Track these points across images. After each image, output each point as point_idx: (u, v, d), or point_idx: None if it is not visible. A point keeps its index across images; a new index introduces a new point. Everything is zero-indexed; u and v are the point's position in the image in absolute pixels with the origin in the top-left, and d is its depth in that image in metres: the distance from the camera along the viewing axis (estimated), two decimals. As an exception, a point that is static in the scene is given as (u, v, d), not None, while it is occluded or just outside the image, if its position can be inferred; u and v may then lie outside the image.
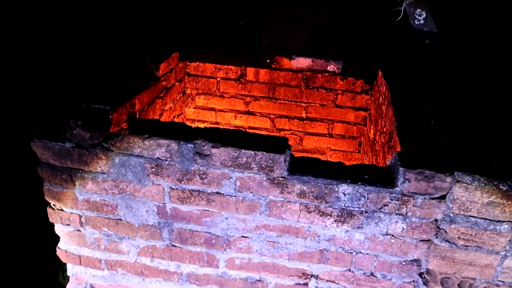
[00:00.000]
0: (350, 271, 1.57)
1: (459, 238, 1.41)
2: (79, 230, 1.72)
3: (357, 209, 1.41)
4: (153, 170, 1.49)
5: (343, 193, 1.38)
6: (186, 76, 2.63)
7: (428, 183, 1.31)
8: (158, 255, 1.70)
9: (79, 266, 1.83)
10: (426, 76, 2.27)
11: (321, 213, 1.45)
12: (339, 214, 1.43)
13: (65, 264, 1.90)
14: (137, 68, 2.21)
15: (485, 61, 2.58)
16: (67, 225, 1.71)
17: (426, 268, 1.51)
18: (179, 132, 1.46)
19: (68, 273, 1.89)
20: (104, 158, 1.51)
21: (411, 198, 1.35)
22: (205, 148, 1.41)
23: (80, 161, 1.53)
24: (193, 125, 2.78)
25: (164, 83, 2.32)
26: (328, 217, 1.45)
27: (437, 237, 1.43)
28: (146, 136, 1.43)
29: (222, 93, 2.65)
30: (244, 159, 1.39)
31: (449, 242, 1.43)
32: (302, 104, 2.58)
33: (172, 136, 1.43)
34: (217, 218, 1.56)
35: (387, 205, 1.38)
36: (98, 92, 1.94)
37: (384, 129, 1.88)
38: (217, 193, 1.49)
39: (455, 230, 1.40)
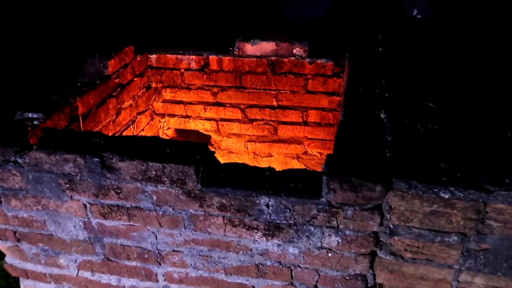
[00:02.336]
0: (292, 285, 1.42)
1: (405, 250, 1.23)
2: (17, 246, 1.65)
3: (284, 222, 1.25)
4: (67, 186, 1.38)
5: (265, 205, 1.22)
6: (148, 69, 2.49)
7: (356, 193, 1.13)
8: (97, 269, 1.62)
9: (27, 279, 1.78)
10: (405, 58, 2.01)
11: (247, 227, 1.29)
12: (266, 227, 1.28)
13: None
14: (83, 67, 2.09)
15: (485, 43, 2.26)
16: (6, 240, 1.65)
17: (376, 282, 1.34)
18: (88, 143, 1.33)
19: (21, 286, 1.85)
20: (18, 174, 1.41)
21: (340, 209, 1.17)
22: (112, 161, 1.28)
23: (-3, 178, 1.44)
24: (164, 120, 2.66)
25: (117, 80, 2.19)
26: (255, 230, 1.29)
27: (381, 250, 1.25)
28: (52, 151, 1.31)
29: (187, 85, 2.49)
30: (154, 172, 1.25)
31: (394, 255, 1.24)
32: (272, 91, 2.38)
33: (79, 149, 1.31)
34: (144, 233, 1.44)
35: (315, 217, 1.21)
36: (34, 97, 1.84)
37: (339, 122, 1.68)
38: (136, 207, 1.37)
39: (399, 242, 1.21)
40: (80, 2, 2.41)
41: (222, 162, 2.69)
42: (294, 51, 2.23)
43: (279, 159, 2.62)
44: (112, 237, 1.48)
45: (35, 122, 1.68)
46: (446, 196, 1.08)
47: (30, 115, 1.73)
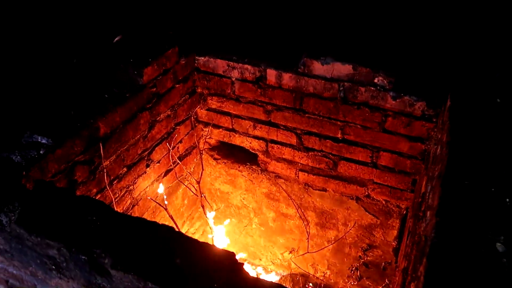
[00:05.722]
0: None
1: None
2: (11, 292, 1.42)
3: None
4: (53, 267, 1.07)
5: None
6: (195, 73, 2.10)
7: None
8: None
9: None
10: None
11: None
12: None
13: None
14: (115, 75, 1.74)
15: None
16: None
17: None
18: (81, 225, 0.99)
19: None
20: (1, 237, 1.12)
21: None
22: (105, 262, 0.94)
23: (-20, 233, 1.17)
24: (207, 130, 2.30)
25: (153, 90, 1.83)
26: None
27: None
28: (32, 230, 1.00)
29: (237, 96, 2.08)
30: (154, 294, 0.89)
31: None
32: (338, 122, 1.91)
33: (66, 234, 0.98)
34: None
35: None
36: (49, 113, 1.54)
37: (428, 220, 1.20)
38: (135, 314, 1.04)
39: None
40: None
41: (267, 185, 2.30)
42: (376, 79, 1.72)
43: (334, 196, 2.18)
44: (108, 324, 1.18)
45: (41, 151, 1.38)
46: None
47: (39, 138, 1.43)
